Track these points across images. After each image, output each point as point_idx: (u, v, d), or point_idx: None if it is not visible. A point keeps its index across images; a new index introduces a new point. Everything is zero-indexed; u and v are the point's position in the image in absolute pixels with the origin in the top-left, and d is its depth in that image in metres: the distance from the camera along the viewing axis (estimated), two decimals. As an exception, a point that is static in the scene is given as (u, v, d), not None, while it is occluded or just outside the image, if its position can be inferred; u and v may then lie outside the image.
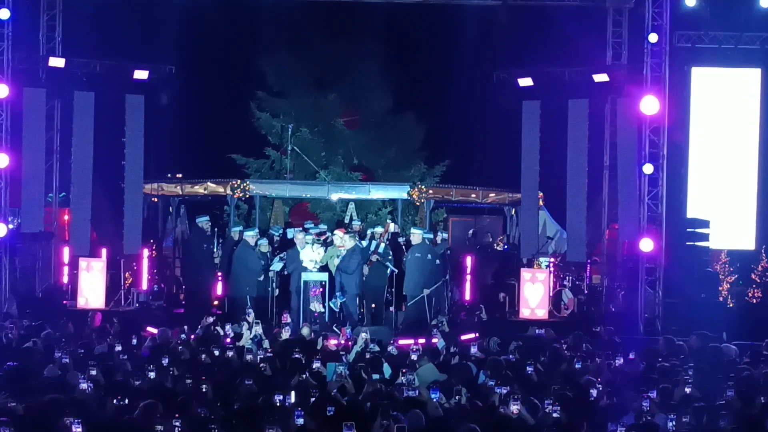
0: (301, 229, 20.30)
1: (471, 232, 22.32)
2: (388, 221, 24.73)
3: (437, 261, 19.44)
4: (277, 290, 19.42)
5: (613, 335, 17.09)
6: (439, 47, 26.85)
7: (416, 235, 19.53)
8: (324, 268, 19.19)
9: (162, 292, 21.99)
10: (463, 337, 16.62)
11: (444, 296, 20.16)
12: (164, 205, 23.88)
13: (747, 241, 23.31)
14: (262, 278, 19.32)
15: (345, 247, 19.10)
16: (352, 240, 19.22)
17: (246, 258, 19.45)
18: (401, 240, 20.80)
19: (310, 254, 19.11)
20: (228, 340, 15.97)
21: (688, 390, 11.88)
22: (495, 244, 22.96)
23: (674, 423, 10.19)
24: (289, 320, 17.21)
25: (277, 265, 19.37)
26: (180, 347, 14.78)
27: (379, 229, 20.75)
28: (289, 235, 20.53)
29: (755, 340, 17.36)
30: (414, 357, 13.78)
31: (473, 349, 14.86)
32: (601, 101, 22.22)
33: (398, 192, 23.57)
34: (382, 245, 19.63)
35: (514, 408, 10.19)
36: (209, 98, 27.85)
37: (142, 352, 15.03)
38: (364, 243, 19.77)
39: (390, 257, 19.59)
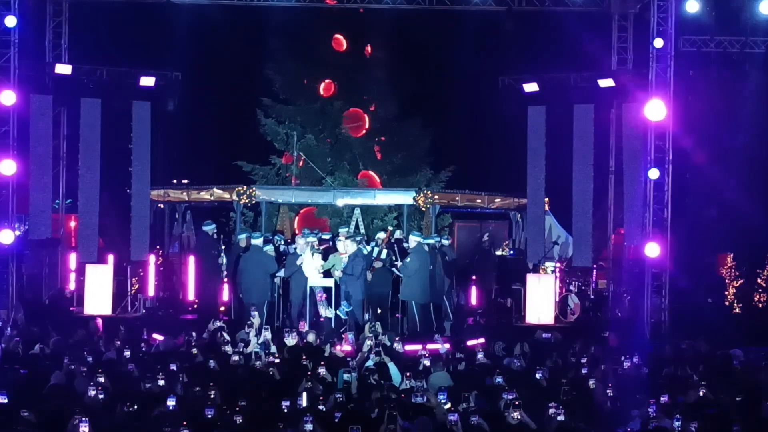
0: (302, 234, 20.34)
1: (486, 235, 22.29)
2: (389, 227, 24.81)
3: (431, 266, 19.45)
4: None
5: (621, 341, 17.10)
6: (444, 53, 26.91)
7: (412, 241, 19.58)
8: (327, 274, 19.28)
9: (169, 298, 22.03)
10: (470, 343, 16.61)
11: (446, 301, 20.20)
12: (170, 211, 23.93)
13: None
14: (278, 280, 19.37)
15: (348, 252, 19.15)
16: (354, 244, 19.28)
17: (261, 262, 19.35)
18: (406, 245, 20.85)
19: (311, 261, 19.19)
20: (228, 348, 15.98)
21: (700, 393, 11.93)
22: (500, 249, 23.00)
23: (681, 429, 10.21)
24: (306, 328, 17.17)
25: (282, 271, 19.49)
26: (192, 350, 14.91)
27: (381, 235, 20.82)
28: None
29: (761, 345, 17.37)
30: (427, 362, 13.80)
31: (480, 355, 14.88)
32: (606, 106, 22.22)
33: (404, 197, 23.60)
34: (384, 251, 19.69)
35: (515, 414, 10.25)
36: (215, 105, 27.96)
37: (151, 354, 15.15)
38: (368, 248, 19.80)
39: (396, 262, 19.64)
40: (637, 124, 20.86)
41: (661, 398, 11.49)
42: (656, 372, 14.17)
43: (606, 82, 21.57)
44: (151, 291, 21.67)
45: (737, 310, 22.30)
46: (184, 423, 9.69)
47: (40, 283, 22.04)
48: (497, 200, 23.83)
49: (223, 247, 20.80)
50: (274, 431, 9.80)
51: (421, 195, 22.84)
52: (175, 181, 25.21)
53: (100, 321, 18.45)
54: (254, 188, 22.95)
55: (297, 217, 28.31)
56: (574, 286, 21.92)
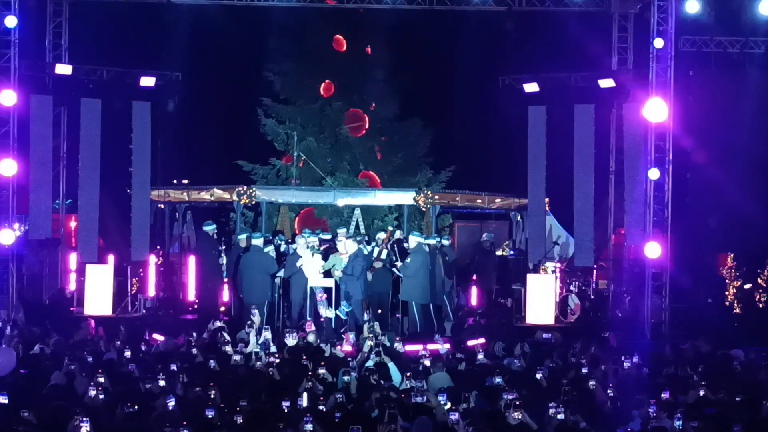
0: (302, 235, 20.34)
1: (486, 235, 22.28)
2: (389, 228, 24.81)
3: (432, 266, 19.45)
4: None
5: (622, 341, 17.08)
6: (444, 54, 26.92)
7: (412, 241, 19.59)
8: (327, 274, 19.30)
9: (169, 298, 22.02)
10: (470, 343, 16.60)
11: (446, 302, 20.20)
12: (170, 211, 23.92)
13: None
14: (278, 280, 19.38)
15: (348, 252, 19.17)
16: (354, 244, 19.30)
17: (260, 262, 19.35)
18: (406, 245, 20.87)
19: (311, 262, 19.19)
20: (228, 348, 15.96)
21: (700, 393, 11.93)
22: (500, 249, 22.99)
23: (681, 429, 10.21)
24: (312, 328, 17.15)
25: (282, 272, 19.50)
26: (192, 350, 14.91)
27: (382, 235, 20.83)
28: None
29: (761, 345, 17.35)
30: (427, 363, 13.80)
31: (480, 355, 14.87)
32: (606, 106, 22.21)
33: (404, 197, 23.60)
34: (384, 251, 19.69)
35: (515, 414, 10.25)
36: (216, 105, 27.96)
37: (151, 354, 15.15)
38: (368, 249, 19.81)
39: (396, 262, 19.65)
40: (638, 124, 20.86)
41: (662, 395, 11.49)
42: (656, 372, 14.15)
43: (606, 82, 21.57)
44: (151, 291, 21.67)
45: (737, 310, 22.27)
46: (184, 423, 9.69)
47: (40, 283, 22.03)
48: (497, 200, 23.82)
49: (223, 247, 20.79)
50: (274, 431, 9.79)
51: (422, 195, 22.83)
52: (175, 181, 25.21)
53: (92, 322, 18.43)
54: (254, 188, 22.92)
55: (297, 218, 28.33)
56: (575, 286, 21.90)
